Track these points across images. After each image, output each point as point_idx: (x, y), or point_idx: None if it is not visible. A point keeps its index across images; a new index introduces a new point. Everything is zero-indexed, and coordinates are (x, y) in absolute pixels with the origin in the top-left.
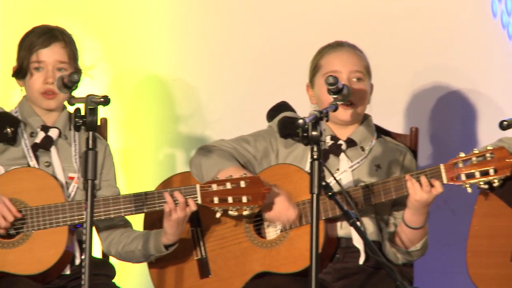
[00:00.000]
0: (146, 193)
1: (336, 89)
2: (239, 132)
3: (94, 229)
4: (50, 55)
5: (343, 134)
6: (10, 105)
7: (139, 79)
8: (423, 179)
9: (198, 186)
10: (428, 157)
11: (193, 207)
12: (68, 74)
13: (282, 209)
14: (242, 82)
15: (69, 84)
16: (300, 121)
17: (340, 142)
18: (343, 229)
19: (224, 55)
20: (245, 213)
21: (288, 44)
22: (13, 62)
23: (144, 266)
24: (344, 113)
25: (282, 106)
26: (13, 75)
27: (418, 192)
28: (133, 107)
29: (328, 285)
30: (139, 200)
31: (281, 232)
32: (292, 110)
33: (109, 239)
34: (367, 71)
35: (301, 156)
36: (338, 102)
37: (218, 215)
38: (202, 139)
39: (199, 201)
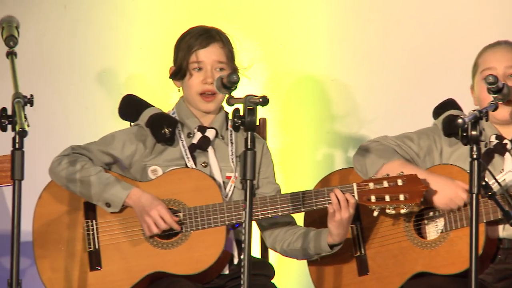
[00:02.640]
0: (303, 192)
1: (496, 88)
2: (395, 131)
3: (254, 229)
4: (209, 56)
5: (508, 133)
6: (167, 106)
7: (296, 79)
8: None
9: (355, 185)
10: None
11: (351, 200)
12: (227, 74)
13: (451, 195)
14: (399, 81)
15: (228, 84)
16: (460, 120)
17: (505, 141)
18: (506, 230)
19: (382, 54)
20: (402, 211)
21: (448, 43)
22: (169, 64)
23: (303, 264)
24: (501, 111)
25: (449, 104)
26: (171, 76)
27: None
28: (290, 107)
29: (488, 286)
30: (296, 200)
31: (442, 233)
32: (459, 108)
33: (273, 236)
34: None
35: (465, 155)
36: (498, 102)
37: (375, 213)
38: (358, 139)
39: (356, 199)
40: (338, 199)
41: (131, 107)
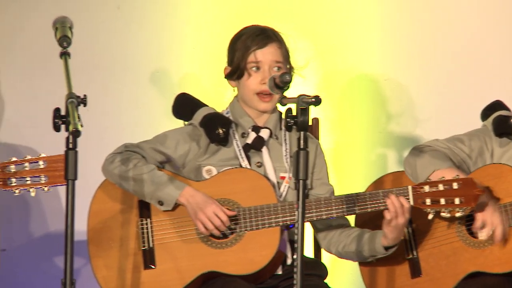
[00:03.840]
0: (357, 195)
1: None
2: (450, 131)
3: (307, 229)
4: (267, 56)
5: None
6: (221, 106)
7: (349, 79)
8: None
9: (410, 188)
10: None
11: (406, 205)
12: (280, 74)
13: (488, 212)
14: (454, 80)
15: (280, 84)
16: None
17: None
18: None
19: (434, 53)
20: (457, 215)
21: (503, 41)
22: (222, 63)
23: (355, 265)
24: None
25: (497, 105)
26: (227, 76)
27: None
28: (343, 106)
29: None
30: (351, 202)
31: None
32: (507, 109)
33: (328, 238)
34: None
35: None
36: None
37: (430, 216)
38: (413, 139)
39: (411, 203)
40: (394, 205)
41: (185, 106)
